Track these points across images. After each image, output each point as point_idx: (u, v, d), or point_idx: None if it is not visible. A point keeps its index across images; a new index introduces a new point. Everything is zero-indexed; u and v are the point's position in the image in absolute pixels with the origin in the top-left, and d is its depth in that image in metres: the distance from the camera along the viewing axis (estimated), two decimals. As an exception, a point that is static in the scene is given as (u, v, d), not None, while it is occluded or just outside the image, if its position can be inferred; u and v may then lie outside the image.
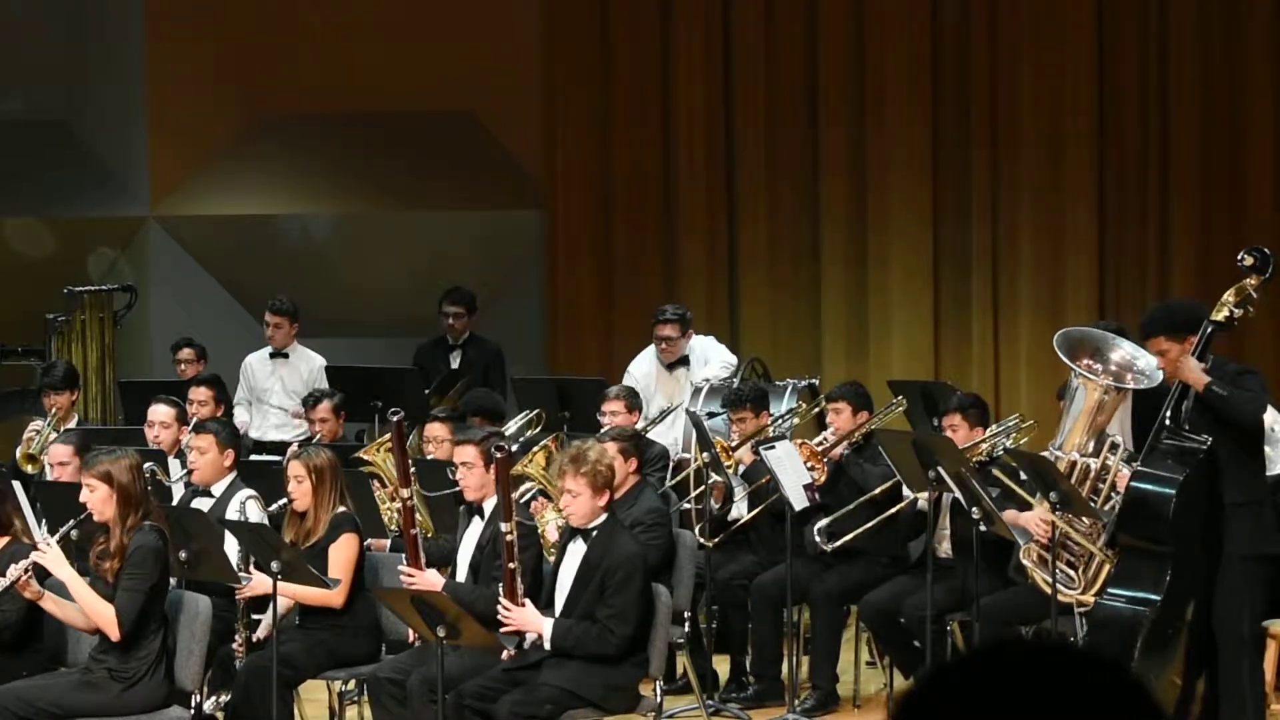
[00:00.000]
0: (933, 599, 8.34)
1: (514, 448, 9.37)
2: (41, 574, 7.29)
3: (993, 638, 7.95)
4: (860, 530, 8.91)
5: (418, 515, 8.65)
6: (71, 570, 7.24)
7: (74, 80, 14.25)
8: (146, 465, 7.81)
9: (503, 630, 7.44)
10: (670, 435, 10.76)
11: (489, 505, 7.93)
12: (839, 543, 8.92)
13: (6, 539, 7.48)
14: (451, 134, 13.99)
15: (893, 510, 8.87)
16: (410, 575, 7.77)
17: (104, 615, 7.17)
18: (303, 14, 14.08)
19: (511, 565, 7.39)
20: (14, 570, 7.19)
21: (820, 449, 9.22)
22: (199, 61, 14.14)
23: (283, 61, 13.97)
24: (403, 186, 14.19)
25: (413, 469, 8.89)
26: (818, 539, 8.93)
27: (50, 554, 7.20)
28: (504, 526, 7.41)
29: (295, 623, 8.03)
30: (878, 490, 8.95)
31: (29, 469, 10.18)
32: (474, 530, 8.05)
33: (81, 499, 7.32)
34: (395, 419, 8.04)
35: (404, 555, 7.98)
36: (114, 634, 7.17)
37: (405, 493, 7.88)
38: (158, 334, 13.86)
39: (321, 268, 14.09)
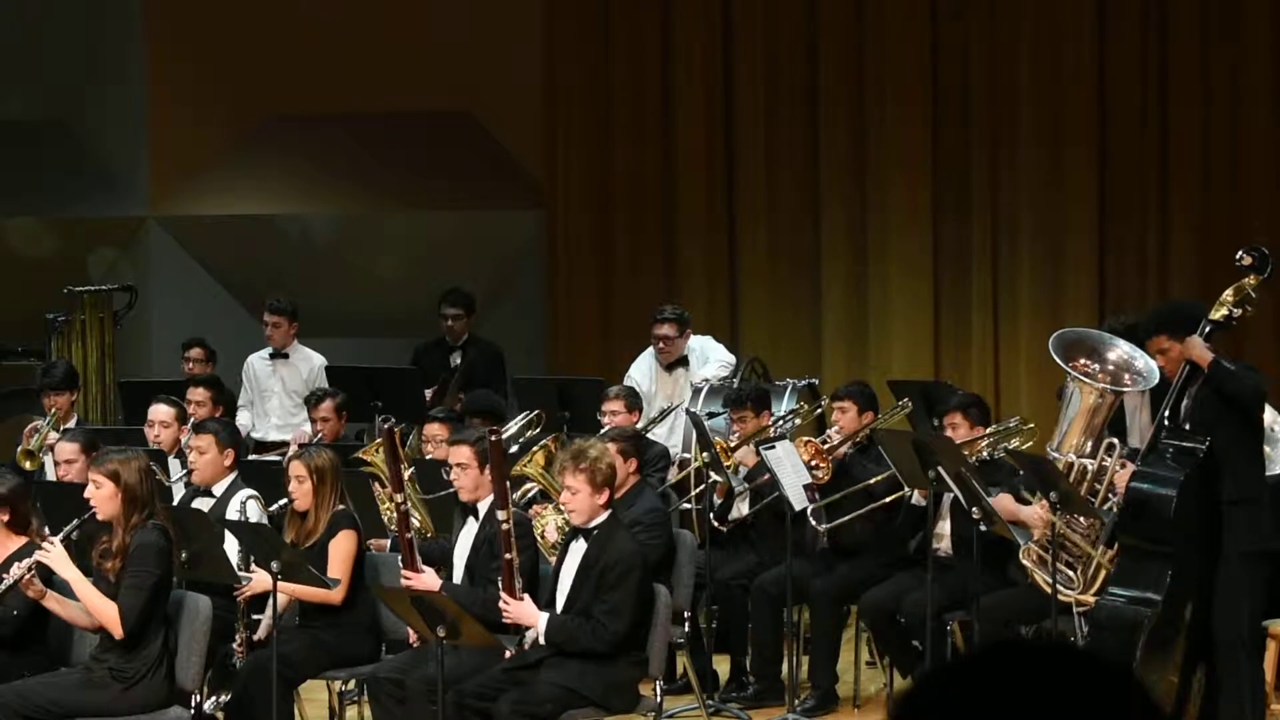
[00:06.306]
0: (932, 597, 8.34)
1: (514, 448, 9.38)
2: (46, 573, 7.28)
3: (993, 638, 7.96)
4: (855, 514, 8.91)
5: (415, 517, 8.66)
6: (75, 569, 7.23)
7: (74, 80, 14.25)
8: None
9: (503, 628, 7.45)
10: (672, 439, 10.76)
11: (484, 506, 7.92)
12: (835, 522, 8.94)
13: (24, 539, 7.46)
14: (451, 134, 13.99)
15: (889, 499, 8.87)
16: (407, 579, 7.78)
17: (107, 613, 7.16)
18: (302, 14, 14.08)
19: (509, 556, 7.38)
20: (17, 569, 7.19)
21: (825, 447, 9.22)
22: (199, 61, 14.14)
23: (282, 61, 13.97)
24: (403, 186, 14.19)
25: (411, 470, 8.91)
26: (813, 520, 8.94)
27: (53, 553, 7.19)
28: (500, 515, 7.40)
29: (295, 622, 8.03)
30: (874, 480, 8.96)
31: (27, 465, 10.19)
32: (469, 531, 8.04)
33: (86, 494, 7.32)
34: (385, 426, 8.03)
35: (400, 560, 7.98)
36: (117, 631, 7.16)
37: (399, 497, 7.87)
38: (158, 334, 13.88)
39: (321, 268, 14.09)
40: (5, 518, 7.44)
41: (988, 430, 9.05)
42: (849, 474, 9.23)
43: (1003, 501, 8.22)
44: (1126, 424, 8.96)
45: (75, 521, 7.34)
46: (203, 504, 8.51)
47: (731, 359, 11.36)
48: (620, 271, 13.62)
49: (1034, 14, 12.79)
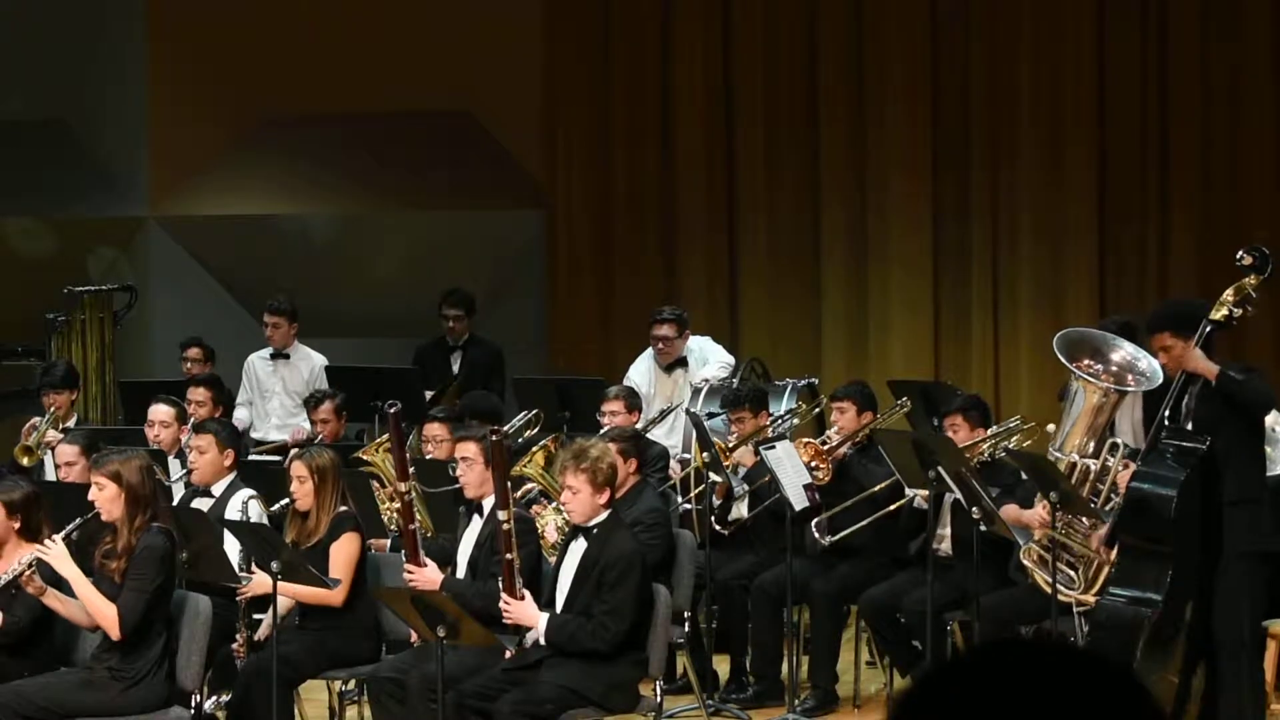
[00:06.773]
0: (932, 597, 8.34)
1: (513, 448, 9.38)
2: (51, 574, 7.27)
3: (993, 637, 7.95)
4: (860, 525, 8.91)
5: (417, 514, 8.66)
6: (75, 568, 7.23)
7: (74, 80, 14.26)
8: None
9: (503, 624, 7.45)
10: (671, 439, 10.76)
11: (488, 504, 7.93)
12: (839, 536, 8.94)
13: (35, 545, 7.43)
14: (451, 134, 13.99)
15: (893, 507, 8.87)
16: (410, 572, 7.77)
17: (106, 614, 7.16)
18: (302, 14, 14.08)
19: (509, 556, 7.38)
20: (18, 565, 7.19)
21: (825, 448, 9.22)
22: (199, 61, 14.15)
23: (282, 62, 13.97)
24: (403, 186, 14.19)
25: (412, 469, 8.89)
26: (817, 533, 8.94)
27: (54, 551, 7.19)
28: (501, 515, 7.40)
29: (295, 623, 8.03)
30: (878, 487, 8.96)
31: (24, 461, 10.19)
32: (473, 528, 8.06)
33: (90, 497, 7.32)
34: (392, 411, 8.00)
35: (403, 553, 7.98)
36: (115, 633, 7.16)
37: (403, 486, 7.86)
38: (158, 334, 13.87)
39: (321, 268, 14.09)
40: (17, 524, 7.41)
41: (989, 432, 9.05)
42: (849, 474, 9.23)
43: (1009, 511, 8.21)
44: (1115, 422, 8.95)
45: (77, 521, 7.33)
46: (202, 504, 8.50)
47: (730, 360, 11.37)
48: (620, 271, 13.62)
49: (1034, 14, 12.79)
